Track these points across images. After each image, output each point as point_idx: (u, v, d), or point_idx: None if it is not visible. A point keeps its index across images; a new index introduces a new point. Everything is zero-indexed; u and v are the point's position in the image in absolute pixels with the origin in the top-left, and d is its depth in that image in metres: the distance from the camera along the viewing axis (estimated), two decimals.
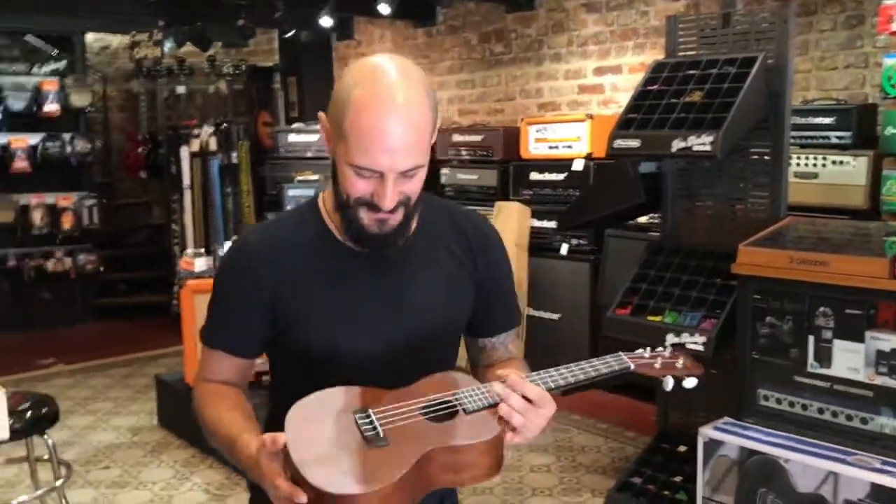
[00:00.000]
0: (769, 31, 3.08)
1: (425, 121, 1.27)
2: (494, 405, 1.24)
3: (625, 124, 3.15)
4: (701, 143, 2.88)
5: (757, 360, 2.89)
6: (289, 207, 4.96)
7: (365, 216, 1.31)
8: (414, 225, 1.38)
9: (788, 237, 2.96)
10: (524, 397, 1.23)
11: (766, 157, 3.13)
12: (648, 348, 1.43)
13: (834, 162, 3.88)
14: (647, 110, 3.13)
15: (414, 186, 1.31)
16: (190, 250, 4.46)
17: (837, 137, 3.92)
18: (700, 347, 2.95)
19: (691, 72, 3.15)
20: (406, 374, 1.32)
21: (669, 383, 1.38)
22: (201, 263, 4.13)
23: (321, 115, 1.34)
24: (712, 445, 2.76)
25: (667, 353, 1.43)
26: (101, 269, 6.87)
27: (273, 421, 1.36)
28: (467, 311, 1.48)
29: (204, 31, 5.66)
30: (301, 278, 1.37)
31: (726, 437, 2.75)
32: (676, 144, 2.94)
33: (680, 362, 1.42)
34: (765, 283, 2.81)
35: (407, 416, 1.24)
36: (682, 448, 3.38)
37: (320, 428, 1.20)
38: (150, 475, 3.86)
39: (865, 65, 4.31)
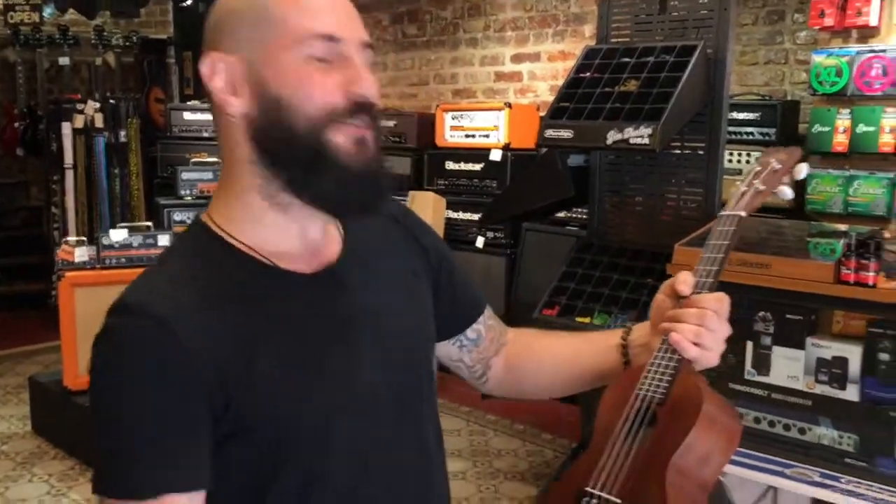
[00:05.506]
0: (708, 20, 2.93)
1: None
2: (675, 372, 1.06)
3: (557, 113, 2.95)
4: (638, 135, 2.71)
5: None
6: (182, 193, 4.59)
7: (341, 136, 0.94)
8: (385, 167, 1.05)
9: None
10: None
11: (700, 153, 2.99)
12: (742, 186, 1.20)
13: (758, 159, 3.79)
14: (579, 99, 2.94)
15: (374, 84, 0.98)
16: (71, 238, 4.01)
17: (761, 134, 3.83)
18: None
19: (626, 59, 2.97)
20: (397, 423, 1.02)
21: (788, 192, 1.17)
22: (82, 253, 3.69)
23: (212, 54, 0.95)
24: None
25: (760, 172, 1.20)
26: None
27: None
28: (432, 317, 1.15)
29: None
30: (247, 337, 0.91)
31: None
32: (612, 136, 2.76)
33: (776, 164, 1.19)
34: None
35: (620, 462, 1.06)
36: None
37: None
38: (20, 492, 3.42)
39: (785, 61, 4.25)
